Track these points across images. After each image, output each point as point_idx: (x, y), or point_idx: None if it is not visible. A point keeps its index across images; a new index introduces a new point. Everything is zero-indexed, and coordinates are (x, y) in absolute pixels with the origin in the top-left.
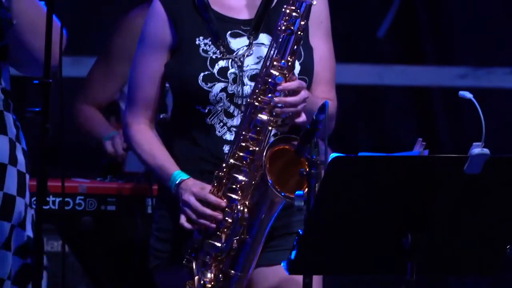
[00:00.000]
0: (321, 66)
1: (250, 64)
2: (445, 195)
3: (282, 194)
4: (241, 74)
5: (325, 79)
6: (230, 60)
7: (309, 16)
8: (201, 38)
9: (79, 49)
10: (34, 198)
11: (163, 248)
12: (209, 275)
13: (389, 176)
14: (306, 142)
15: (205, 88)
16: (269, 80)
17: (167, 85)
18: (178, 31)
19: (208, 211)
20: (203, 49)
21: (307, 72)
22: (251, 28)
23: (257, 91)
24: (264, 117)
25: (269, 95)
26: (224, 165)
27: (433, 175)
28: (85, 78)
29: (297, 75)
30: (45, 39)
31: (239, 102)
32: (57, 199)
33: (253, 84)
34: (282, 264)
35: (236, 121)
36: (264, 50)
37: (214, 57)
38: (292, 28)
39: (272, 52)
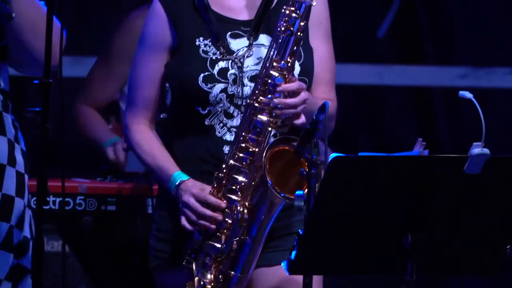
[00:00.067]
0: (321, 67)
1: (250, 65)
2: (445, 195)
3: (282, 195)
4: (241, 75)
5: (325, 79)
6: (230, 61)
7: (308, 17)
8: (201, 39)
9: (79, 49)
10: (34, 198)
11: (163, 248)
12: (209, 276)
13: (389, 176)
14: (306, 142)
15: (205, 89)
16: (269, 81)
17: (167, 85)
18: (178, 31)
19: (207, 212)
20: (203, 50)
21: (307, 73)
22: (251, 29)
23: (256, 92)
24: (263, 118)
25: (269, 96)
26: (224, 166)
27: (433, 175)
28: (85, 78)
29: (297, 76)
30: (45, 39)
31: (239, 102)
32: (57, 199)
33: (253, 85)
34: (282, 264)
35: (236, 121)
36: (264, 51)
37: (214, 58)
38: (291, 29)
39: (272, 53)
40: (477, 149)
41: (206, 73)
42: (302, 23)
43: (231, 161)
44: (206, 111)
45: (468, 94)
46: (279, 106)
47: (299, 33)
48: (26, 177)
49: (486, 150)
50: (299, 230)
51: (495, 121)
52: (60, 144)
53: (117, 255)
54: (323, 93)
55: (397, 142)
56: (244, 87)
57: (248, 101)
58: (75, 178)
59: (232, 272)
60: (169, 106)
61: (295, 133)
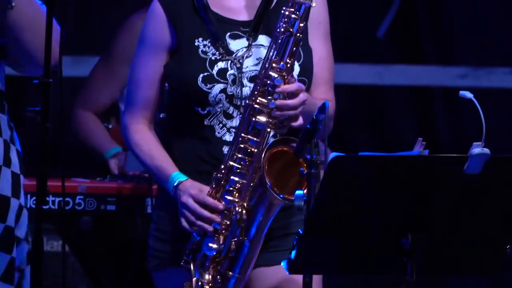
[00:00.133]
0: (320, 67)
1: (250, 65)
2: (445, 195)
3: (281, 196)
4: (240, 75)
5: (324, 79)
6: (230, 62)
7: (308, 18)
8: (200, 39)
9: (79, 48)
10: (33, 198)
11: (162, 248)
12: (207, 276)
13: (389, 176)
14: (305, 142)
15: (204, 89)
16: (268, 82)
17: (166, 85)
18: (177, 32)
19: (206, 213)
20: (202, 50)
21: (307, 73)
22: (250, 30)
23: (256, 92)
24: (262, 119)
25: (268, 97)
26: (222, 166)
27: (433, 175)
28: (85, 78)
29: (296, 76)
30: (44, 39)
31: (238, 103)
32: (57, 199)
33: (252, 85)
34: (282, 264)
35: (236, 122)
36: (263, 52)
37: (213, 58)
38: (291, 30)
39: (271, 53)
40: (477, 149)
41: (206, 74)
42: (301, 24)
43: (230, 162)
44: (206, 111)
45: (468, 94)
46: (279, 107)
47: (298, 34)
48: (22, 177)
49: (486, 150)
50: (299, 230)
51: (495, 121)
52: (60, 143)
53: (117, 254)
54: (322, 93)
55: (397, 142)
56: (244, 88)
57: (247, 101)
58: (74, 178)
59: (230, 273)
60: (168, 106)
61: (294, 134)
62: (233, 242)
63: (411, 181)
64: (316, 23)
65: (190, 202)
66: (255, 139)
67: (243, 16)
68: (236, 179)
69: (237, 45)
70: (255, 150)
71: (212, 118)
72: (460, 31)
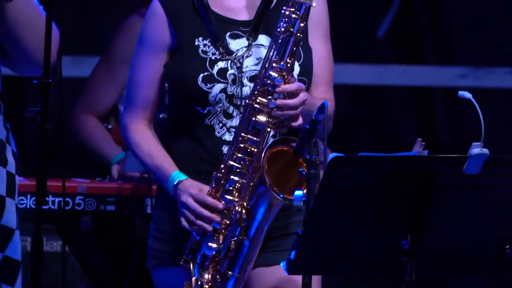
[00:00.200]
0: (320, 67)
1: (250, 65)
2: (444, 195)
3: (281, 195)
4: (240, 75)
5: (323, 79)
6: (230, 61)
7: (308, 18)
8: (200, 39)
9: (79, 49)
10: (33, 198)
11: (162, 248)
12: (206, 276)
13: (388, 176)
14: (305, 142)
15: (204, 89)
16: (268, 81)
17: (166, 85)
18: (177, 32)
19: (205, 212)
20: (202, 50)
21: (307, 73)
22: (250, 29)
23: (256, 92)
24: (262, 118)
25: (268, 96)
26: (222, 166)
27: (432, 175)
28: (85, 80)
29: (296, 76)
30: (44, 40)
31: (238, 103)
32: (57, 199)
33: (252, 85)
34: (281, 264)
35: (235, 121)
36: (263, 51)
37: (213, 58)
38: (291, 29)
39: (271, 53)
40: (476, 149)
41: (206, 73)
42: (302, 24)
43: (230, 162)
44: (206, 111)
45: (467, 94)
46: (279, 106)
47: (298, 34)
48: (17, 178)
49: (486, 150)
50: (298, 231)
51: (495, 121)
52: (60, 144)
53: (116, 255)
54: (322, 93)
55: (397, 142)
56: (244, 87)
57: (247, 101)
58: (74, 178)
59: (230, 272)
60: (168, 106)
61: (294, 134)
62: (233, 242)
63: (410, 181)
64: (316, 23)
65: (190, 201)
66: (255, 138)
67: (243, 16)
68: (236, 178)
69: (237, 44)
70: (255, 150)
71: (212, 118)
72: (460, 31)
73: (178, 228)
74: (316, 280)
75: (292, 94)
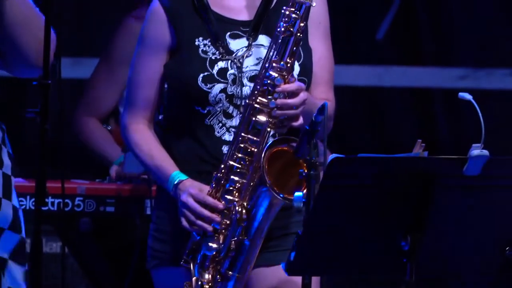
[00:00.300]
0: (320, 67)
1: (250, 65)
2: (444, 196)
3: (281, 195)
4: (240, 75)
5: (324, 80)
6: (230, 61)
7: (308, 18)
8: (200, 38)
9: (78, 50)
10: (33, 199)
11: (161, 248)
12: (206, 276)
13: (388, 178)
14: (305, 143)
15: (204, 89)
16: (268, 81)
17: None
18: (177, 31)
19: (206, 212)
20: (202, 50)
21: (306, 73)
22: (250, 29)
23: (256, 92)
24: (262, 118)
25: (268, 96)
26: (222, 166)
27: (432, 176)
28: (86, 82)
29: (296, 76)
30: (43, 41)
31: (238, 103)
32: (56, 200)
33: (252, 85)
34: (281, 265)
35: (235, 121)
36: (263, 51)
37: (213, 58)
38: (291, 29)
39: (271, 53)
40: (476, 150)
41: (206, 73)
42: (302, 24)
43: (230, 162)
44: (206, 111)
45: (467, 96)
46: (279, 106)
47: (298, 34)
48: (13, 179)
49: (486, 152)
50: (298, 231)
51: (495, 122)
52: (59, 145)
53: (116, 256)
54: (322, 93)
55: (397, 143)
56: (244, 87)
57: (247, 101)
58: (73, 179)
59: (230, 272)
60: (168, 106)
61: (294, 134)
62: (233, 242)
63: (410, 182)
64: (316, 23)
65: (190, 201)
66: (255, 138)
67: (243, 15)
68: (236, 178)
69: (237, 44)
70: (255, 150)
71: (212, 118)
72: (460, 31)
73: (178, 228)
74: (315, 280)
75: (292, 94)
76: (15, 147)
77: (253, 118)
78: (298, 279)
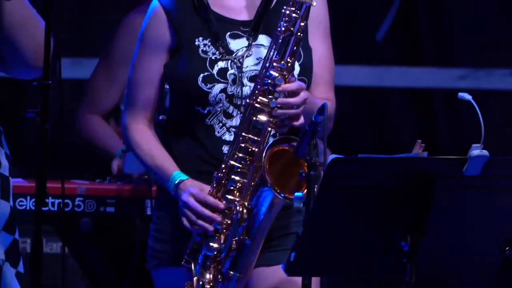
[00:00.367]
0: (320, 67)
1: (250, 65)
2: (444, 196)
3: (282, 195)
4: (240, 75)
5: (324, 79)
6: (230, 61)
7: (308, 17)
8: (200, 38)
9: (78, 50)
10: (33, 200)
11: (162, 248)
12: (207, 276)
13: (388, 178)
14: (305, 143)
15: (204, 89)
16: (269, 81)
17: (166, 86)
18: (177, 31)
19: (206, 212)
20: (202, 50)
21: (307, 73)
22: (250, 29)
23: (256, 92)
24: (263, 118)
25: (269, 96)
26: (223, 166)
27: (432, 176)
28: (86, 81)
29: (296, 76)
30: (38, 42)
31: (238, 102)
32: (56, 201)
33: (252, 85)
34: (281, 266)
35: (235, 121)
36: (263, 51)
37: (213, 58)
38: (292, 29)
39: (271, 53)
40: (476, 150)
41: (206, 73)
42: (302, 24)
43: (231, 161)
44: (206, 111)
45: (467, 96)
46: (279, 105)
47: (299, 34)
48: (11, 180)
49: (485, 152)
50: (298, 231)
51: (495, 122)
52: (59, 145)
53: (116, 256)
54: (322, 93)
55: (397, 143)
56: (244, 87)
57: (248, 101)
58: (74, 179)
59: (231, 272)
60: (168, 106)
61: (295, 133)
62: (234, 242)
63: (410, 183)
64: (316, 22)
65: (191, 201)
66: (255, 138)
67: (243, 15)
68: (237, 178)
69: (237, 44)
70: (256, 149)
71: (212, 118)
72: (460, 31)
73: (178, 228)
74: (314, 280)
75: (293, 93)
76: (15, 147)
77: (254, 118)
78: (298, 279)
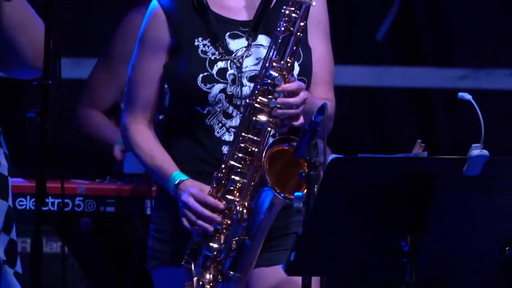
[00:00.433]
0: (319, 67)
1: (249, 65)
2: (444, 196)
3: (282, 195)
4: (240, 75)
5: (324, 79)
6: (229, 61)
7: (307, 17)
8: (200, 39)
9: (79, 50)
10: (33, 200)
11: (162, 248)
12: (207, 276)
13: (388, 178)
14: (304, 143)
15: (204, 89)
16: (269, 81)
17: (166, 86)
18: (177, 32)
19: (206, 212)
20: (202, 50)
21: (306, 73)
22: (250, 29)
23: (256, 92)
24: (263, 118)
25: (269, 96)
26: (223, 166)
27: (432, 176)
28: (86, 80)
29: (296, 76)
30: (43, 42)
31: (238, 103)
32: (56, 200)
33: (252, 85)
34: (281, 266)
35: (235, 121)
36: (263, 51)
37: (213, 58)
38: (291, 29)
39: (271, 53)
40: (476, 150)
41: (205, 74)
42: (301, 23)
43: (231, 161)
44: (205, 111)
45: (467, 96)
46: (279, 105)
47: (298, 33)
48: (10, 179)
49: (485, 152)
50: (298, 231)
51: (495, 122)
52: (59, 145)
53: (116, 256)
54: (322, 93)
55: (397, 143)
56: (243, 87)
57: (247, 101)
58: (73, 179)
59: (231, 272)
60: (168, 106)
61: (295, 133)
62: (234, 242)
63: (410, 183)
64: (316, 22)
65: (191, 201)
66: (255, 138)
67: (243, 16)
68: (237, 178)
69: (236, 44)
70: (256, 150)
71: (211, 118)
72: (460, 31)
73: (178, 228)
74: (314, 280)
75: (293, 93)
76: (15, 147)
77: (254, 118)
78: (298, 279)
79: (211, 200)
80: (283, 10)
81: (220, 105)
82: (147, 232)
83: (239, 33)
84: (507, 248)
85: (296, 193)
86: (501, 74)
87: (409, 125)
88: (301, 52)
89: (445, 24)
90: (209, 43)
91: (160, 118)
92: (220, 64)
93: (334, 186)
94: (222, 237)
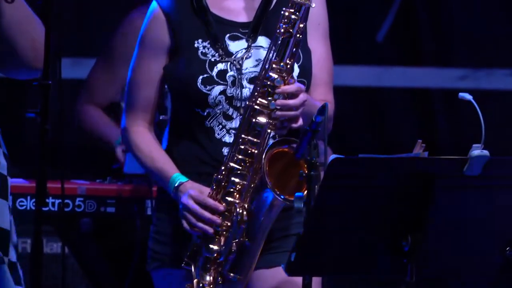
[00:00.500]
0: (319, 68)
1: (249, 66)
2: (444, 196)
3: (281, 197)
4: (240, 77)
5: (323, 81)
6: (229, 63)
7: (307, 18)
8: (200, 40)
9: (79, 50)
10: (33, 200)
11: (162, 250)
12: (208, 278)
13: (389, 178)
14: (305, 144)
15: (204, 91)
16: (268, 82)
17: (166, 87)
18: (176, 33)
19: (206, 214)
20: (202, 52)
21: (306, 75)
22: (250, 31)
23: (256, 93)
24: (263, 119)
25: (268, 97)
26: (223, 168)
27: (433, 176)
28: (86, 80)
29: (296, 78)
30: (43, 42)
31: (238, 104)
32: (57, 201)
33: (252, 86)
34: (281, 266)
35: (235, 123)
36: (262, 53)
37: (213, 59)
38: (291, 30)
39: (271, 54)
40: (476, 150)
41: (205, 75)
42: (301, 25)
43: (230, 163)
44: (205, 113)
45: (467, 96)
46: (279, 107)
47: (298, 35)
48: (9, 179)
49: (486, 152)
50: (299, 232)
51: (495, 122)
52: (60, 145)
53: (116, 256)
54: (321, 94)
55: (397, 143)
56: (243, 89)
57: (247, 103)
58: (74, 179)
59: (232, 274)
60: (168, 108)
61: (295, 135)
62: (234, 244)
63: (411, 183)
64: (315, 24)
65: (191, 203)
66: (255, 140)
67: (242, 17)
68: (237, 180)
69: (236, 46)
70: (255, 151)
71: (211, 120)
72: (460, 31)
73: (178, 230)
74: (316, 281)
75: (292, 95)
76: (15, 147)
77: (253, 120)
78: (299, 280)
79: (211, 202)
80: (282, 12)
81: (220, 107)
82: (147, 232)
83: (239, 34)
84: (507, 248)
85: (296, 193)
86: (501, 74)
87: (409, 125)
88: (300, 54)
89: (445, 24)
90: (209, 45)
91: (160, 118)
92: (220, 66)
93: (334, 186)
94: (222, 239)
